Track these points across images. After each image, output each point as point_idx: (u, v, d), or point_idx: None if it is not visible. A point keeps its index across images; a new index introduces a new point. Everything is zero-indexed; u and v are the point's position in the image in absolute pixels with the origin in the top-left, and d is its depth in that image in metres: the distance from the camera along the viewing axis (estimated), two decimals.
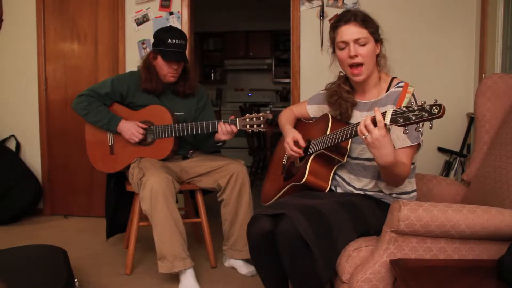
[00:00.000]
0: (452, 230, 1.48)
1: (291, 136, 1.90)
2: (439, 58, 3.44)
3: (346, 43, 1.72)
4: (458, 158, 3.29)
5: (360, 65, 1.72)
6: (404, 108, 1.39)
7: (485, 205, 1.58)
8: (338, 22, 1.75)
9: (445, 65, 3.44)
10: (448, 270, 1.46)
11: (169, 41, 2.49)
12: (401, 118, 1.39)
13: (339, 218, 1.63)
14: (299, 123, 2.11)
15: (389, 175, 1.62)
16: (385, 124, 1.43)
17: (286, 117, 2.09)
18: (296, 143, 1.89)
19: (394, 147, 1.64)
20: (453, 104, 3.42)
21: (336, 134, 1.70)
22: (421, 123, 1.38)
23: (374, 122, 1.45)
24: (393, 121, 1.41)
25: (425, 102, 1.36)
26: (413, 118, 1.36)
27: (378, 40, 1.75)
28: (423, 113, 1.34)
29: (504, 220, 1.48)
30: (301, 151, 1.87)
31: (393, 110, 1.41)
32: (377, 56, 1.77)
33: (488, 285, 1.38)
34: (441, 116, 1.32)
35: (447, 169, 3.32)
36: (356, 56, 1.70)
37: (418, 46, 3.43)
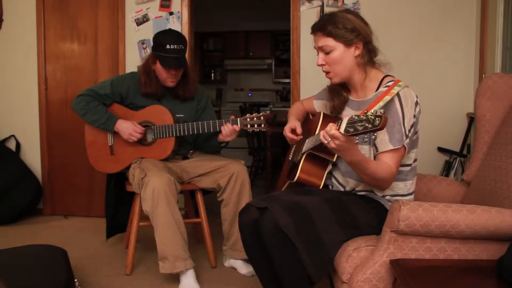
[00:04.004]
0: (452, 230, 1.48)
1: (289, 125, 2.02)
2: (439, 58, 3.44)
3: (317, 52, 1.79)
4: (458, 158, 3.29)
5: (328, 72, 1.79)
6: (356, 118, 1.37)
7: (485, 205, 1.58)
8: (311, 29, 1.80)
9: (445, 65, 3.44)
10: (448, 270, 1.46)
11: (168, 46, 2.46)
12: (352, 128, 1.38)
13: (322, 214, 1.65)
14: (307, 120, 2.16)
15: (362, 173, 1.62)
16: (341, 133, 1.43)
17: (294, 110, 2.16)
18: (293, 131, 2.00)
19: (377, 151, 1.67)
20: (453, 104, 3.43)
21: (317, 136, 1.73)
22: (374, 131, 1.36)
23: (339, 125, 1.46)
24: (346, 130, 1.40)
25: (375, 112, 1.34)
26: (360, 129, 1.35)
27: (352, 43, 1.73)
28: (367, 124, 1.33)
29: (504, 220, 1.48)
30: (295, 137, 1.97)
31: (348, 119, 1.40)
32: (357, 57, 1.76)
33: (488, 285, 1.39)
34: (381, 128, 1.31)
35: (447, 169, 3.33)
36: (322, 65, 1.78)
37: (418, 46, 3.43)
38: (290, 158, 2.17)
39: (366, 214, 1.73)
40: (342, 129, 1.41)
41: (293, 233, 1.57)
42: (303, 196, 1.73)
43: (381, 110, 1.35)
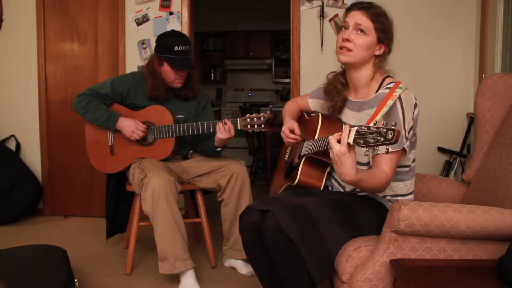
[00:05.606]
0: (452, 230, 1.48)
1: (288, 125, 1.97)
2: (439, 58, 3.44)
3: (348, 26, 1.73)
4: (458, 158, 3.29)
5: (349, 50, 1.72)
6: (366, 129, 1.34)
7: (485, 205, 1.58)
8: (353, 5, 1.76)
9: (445, 65, 3.44)
10: (448, 270, 1.46)
11: (176, 48, 2.47)
12: (362, 140, 1.34)
13: (324, 215, 1.64)
14: (301, 119, 2.14)
15: (361, 188, 1.65)
16: (349, 143, 1.39)
17: (289, 109, 2.14)
18: (292, 132, 1.96)
19: (379, 152, 1.63)
20: (453, 104, 3.43)
21: (320, 141, 1.72)
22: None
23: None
24: (355, 141, 1.36)
25: (386, 124, 1.32)
26: (371, 141, 1.32)
27: (382, 41, 1.74)
28: (379, 137, 1.31)
29: (504, 220, 1.48)
30: (297, 137, 1.93)
31: (356, 130, 1.36)
32: (377, 56, 1.76)
33: (488, 285, 1.39)
34: (394, 142, 1.29)
35: (447, 169, 3.33)
36: (348, 40, 1.71)
37: (418, 46, 3.43)
38: (286, 159, 2.15)
39: (367, 214, 1.72)
40: (350, 140, 1.37)
41: (296, 236, 1.56)
42: (304, 198, 1.72)
43: (393, 123, 1.34)
